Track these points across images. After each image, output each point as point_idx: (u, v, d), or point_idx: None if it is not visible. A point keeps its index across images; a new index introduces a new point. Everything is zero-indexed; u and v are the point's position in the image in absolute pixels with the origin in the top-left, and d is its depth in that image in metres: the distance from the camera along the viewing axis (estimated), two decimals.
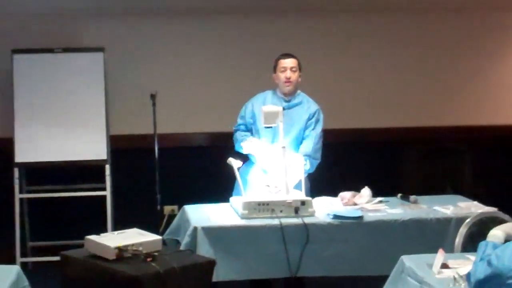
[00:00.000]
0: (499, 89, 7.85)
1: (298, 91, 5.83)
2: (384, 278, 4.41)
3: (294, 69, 5.74)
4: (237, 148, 5.83)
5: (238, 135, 5.87)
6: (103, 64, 7.13)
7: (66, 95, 7.07)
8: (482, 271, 3.48)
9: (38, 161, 7.00)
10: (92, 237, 4.38)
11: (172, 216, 6.54)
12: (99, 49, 7.18)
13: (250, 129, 5.88)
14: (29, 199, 7.25)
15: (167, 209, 7.18)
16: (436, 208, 5.36)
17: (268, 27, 7.53)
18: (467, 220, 4.80)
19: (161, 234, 5.18)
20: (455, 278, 3.79)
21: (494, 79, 7.86)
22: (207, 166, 7.03)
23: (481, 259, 3.52)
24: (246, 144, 5.68)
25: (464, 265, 3.95)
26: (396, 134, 7.66)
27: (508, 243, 3.54)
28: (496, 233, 3.68)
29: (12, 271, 4.14)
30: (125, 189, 7.36)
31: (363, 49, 7.68)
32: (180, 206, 5.74)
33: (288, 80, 5.74)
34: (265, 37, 7.47)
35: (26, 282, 4.18)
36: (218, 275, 4.65)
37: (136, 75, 7.44)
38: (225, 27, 7.58)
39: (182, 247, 5.02)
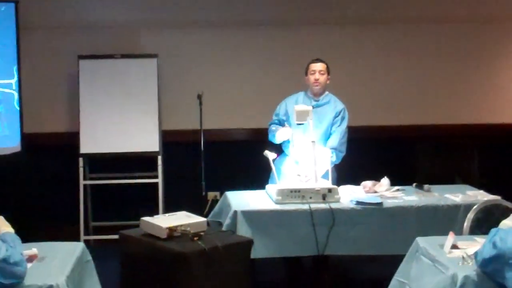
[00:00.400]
0: (504, 92, 7.76)
1: (326, 92, 5.82)
2: (400, 257, 4.40)
3: (322, 72, 5.74)
4: (270, 138, 5.84)
5: (272, 127, 5.88)
6: (156, 69, 7.17)
7: (124, 95, 7.12)
8: (488, 252, 3.47)
9: (99, 152, 7.07)
10: (147, 219, 4.43)
11: (215, 201, 6.58)
12: (153, 56, 7.21)
13: (283, 125, 5.87)
14: (91, 185, 7.31)
15: (211, 195, 7.19)
16: (447, 195, 5.32)
17: (297, 37, 7.51)
18: (474, 207, 4.77)
19: (206, 216, 5.18)
20: (463, 257, 3.78)
21: (500, 84, 7.77)
22: (245, 158, 7.02)
23: (489, 241, 3.52)
24: (279, 131, 5.69)
25: (472, 246, 3.93)
26: (411, 131, 7.60)
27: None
28: (507, 223, 3.68)
29: (78, 247, 4.18)
30: (174, 177, 7.38)
31: (383, 57, 7.64)
32: (221, 193, 5.75)
33: (316, 81, 5.74)
34: (296, 45, 7.45)
35: (89, 257, 4.22)
36: (256, 253, 4.67)
37: (184, 78, 7.46)
38: (261, 37, 7.57)
39: (224, 228, 5.03)
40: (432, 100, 7.68)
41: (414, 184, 5.69)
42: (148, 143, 7.08)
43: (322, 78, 5.74)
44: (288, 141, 5.86)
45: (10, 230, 3.83)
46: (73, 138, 7.05)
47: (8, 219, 3.96)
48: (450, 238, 4.04)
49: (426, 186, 5.58)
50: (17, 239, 3.75)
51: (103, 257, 4.55)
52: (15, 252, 3.55)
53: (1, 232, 3.77)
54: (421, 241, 4.20)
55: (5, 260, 3.44)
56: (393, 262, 4.53)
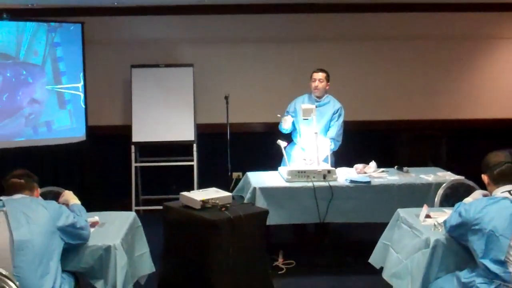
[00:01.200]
0: (465, 94, 7.72)
1: (327, 95, 5.77)
2: (385, 224, 4.40)
3: (321, 80, 5.69)
4: (279, 127, 5.80)
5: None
6: (192, 75, 7.16)
7: (167, 96, 7.12)
8: (455, 220, 3.46)
9: (147, 141, 7.07)
10: (185, 193, 4.42)
11: (238, 180, 6.55)
12: (190, 65, 7.20)
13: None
14: (141, 167, 7.32)
15: (235, 174, 7.17)
16: (422, 176, 5.28)
17: (303, 51, 7.49)
18: (443, 185, 4.75)
19: (231, 191, 5.18)
20: (435, 225, 3.78)
21: (461, 88, 7.73)
22: (262, 145, 7.00)
23: (455, 211, 3.50)
24: (283, 119, 5.67)
25: (442, 216, 3.92)
26: (394, 124, 7.59)
27: (473, 201, 3.52)
28: (469, 199, 3.66)
29: (130, 215, 4.22)
30: (206, 161, 7.39)
31: (371, 67, 7.62)
32: (243, 173, 5.73)
33: (316, 88, 5.71)
34: (302, 57, 7.43)
35: (139, 223, 4.24)
36: (270, 220, 4.66)
37: (214, 82, 7.44)
38: (275, 51, 7.55)
39: (245, 201, 5.05)
40: (410, 100, 7.65)
41: (396, 167, 5.64)
42: (186, 134, 7.08)
43: (321, 85, 5.70)
44: (296, 132, 5.84)
45: (77, 202, 3.86)
46: (126, 129, 7.07)
47: (75, 193, 3.99)
48: (424, 209, 4.03)
49: (405, 168, 5.54)
50: (83, 209, 3.78)
51: (150, 224, 4.55)
52: (81, 219, 3.58)
53: (70, 204, 3.80)
54: (401, 212, 4.20)
55: (73, 225, 3.47)
56: (379, 228, 4.53)
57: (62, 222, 3.41)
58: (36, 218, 3.32)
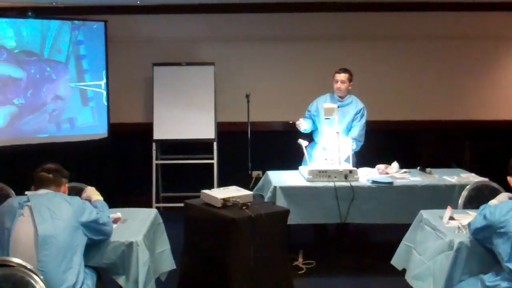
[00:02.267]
0: (489, 94, 7.62)
1: (349, 94, 5.73)
2: (406, 226, 4.37)
3: (343, 81, 5.64)
4: (297, 126, 5.77)
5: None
6: (213, 74, 7.15)
7: (188, 94, 7.11)
8: (479, 222, 3.42)
9: (168, 138, 7.08)
10: (206, 191, 4.40)
11: (258, 179, 6.54)
12: (211, 63, 7.19)
13: (313, 119, 5.83)
14: (161, 164, 7.33)
15: (255, 173, 7.15)
16: (445, 177, 5.22)
17: (325, 50, 7.45)
18: (467, 186, 4.71)
19: (251, 190, 5.15)
20: (459, 227, 3.74)
21: (486, 88, 7.63)
22: (282, 144, 6.97)
23: (480, 214, 3.46)
24: (301, 121, 5.67)
25: (465, 218, 3.89)
26: (417, 125, 7.51)
27: (499, 203, 3.47)
28: (494, 201, 3.61)
29: (152, 212, 4.23)
30: (226, 159, 7.38)
31: (395, 67, 7.55)
32: (263, 172, 5.72)
33: (338, 88, 5.67)
34: (323, 57, 7.39)
35: (160, 220, 4.25)
36: (291, 220, 4.61)
37: (235, 81, 7.43)
38: (296, 50, 7.50)
39: (266, 200, 5.02)
40: (433, 101, 7.55)
41: (418, 168, 5.60)
42: (206, 132, 7.07)
43: (343, 86, 5.65)
44: (317, 132, 5.81)
45: (100, 198, 3.86)
46: (148, 127, 7.08)
47: (97, 189, 3.99)
48: (448, 211, 3.99)
49: (428, 169, 5.49)
50: (105, 205, 3.78)
51: (170, 221, 4.54)
52: (103, 215, 3.58)
53: (92, 200, 3.80)
54: (424, 213, 4.16)
55: (96, 221, 3.47)
56: (400, 229, 4.50)
57: (86, 218, 3.42)
58: (60, 213, 3.33)
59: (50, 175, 3.54)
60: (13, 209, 3.33)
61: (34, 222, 3.26)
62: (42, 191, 3.49)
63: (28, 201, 3.36)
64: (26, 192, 3.48)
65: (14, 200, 3.43)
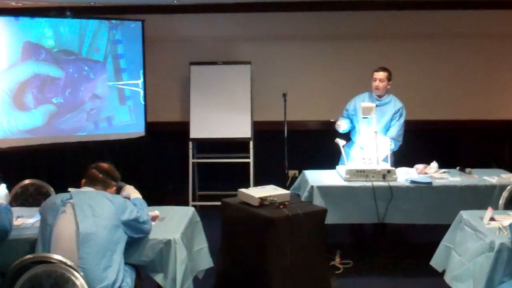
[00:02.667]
0: None
1: (388, 93, 5.69)
2: (445, 226, 4.35)
3: (382, 80, 5.60)
4: (336, 127, 5.78)
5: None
6: (249, 73, 7.18)
7: (224, 93, 7.16)
8: None
9: (205, 137, 7.13)
10: (243, 190, 4.43)
11: (294, 178, 6.56)
12: (247, 62, 7.23)
13: (350, 118, 5.81)
14: (198, 163, 7.38)
15: (291, 172, 7.15)
16: (485, 177, 5.16)
17: (363, 49, 7.43)
18: (508, 187, 4.66)
19: (287, 189, 5.16)
20: (499, 228, 3.70)
21: None
22: (319, 143, 6.97)
23: None
24: (339, 121, 5.68)
25: (506, 219, 3.85)
26: (456, 124, 7.43)
27: None
28: None
29: (189, 210, 4.26)
30: (262, 158, 7.37)
31: (434, 65, 7.47)
32: (300, 171, 5.72)
33: (376, 87, 5.63)
34: (361, 55, 7.37)
35: (198, 219, 4.28)
36: (328, 220, 4.61)
37: (272, 80, 7.45)
38: (333, 48, 7.50)
39: (302, 199, 5.03)
40: (473, 100, 7.47)
41: (458, 168, 5.54)
42: (242, 131, 7.11)
43: (381, 85, 5.62)
44: (355, 131, 5.80)
45: (139, 196, 3.91)
46: (184, 126, 7.14)
47: (134, 188, 4.04)
48: (489, 212, 3.95)
49: (467, 170, 5.43)
50: (144, 203, 3.83)
51: (207, 219, 4.57)
52: (143, 213, 3.63)
53: (131, 198, 3.86)
54: (464, 214, 4.12)
55: (136, 220, 3.52)
56: (438, 230, 4.49)
57: (126, 216, 3.47)
58: (101, 211, 3.38)
59: (100, 175, 3.61)
60: (55, 206, 3.40)
61: (76, 220, 3.32)
62: (86, 189, 3.56)
63: (71, 198, 3.42)
64: (69, 189, 3.55)
65: (57, 197, 3.49)
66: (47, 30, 6.56)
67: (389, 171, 5.08)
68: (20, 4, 6.85)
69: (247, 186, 5.24)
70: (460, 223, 4.11)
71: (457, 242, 4.04)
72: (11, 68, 6.36)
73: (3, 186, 4.05)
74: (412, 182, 5.03)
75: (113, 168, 3.71)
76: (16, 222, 3.84)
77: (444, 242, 4.25)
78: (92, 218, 3.34)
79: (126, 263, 3.52)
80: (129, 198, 3.82)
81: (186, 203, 6.81)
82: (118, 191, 3.86)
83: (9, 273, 3.22)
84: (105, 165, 3.68)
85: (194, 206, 6.73)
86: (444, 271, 4.16)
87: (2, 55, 6.31)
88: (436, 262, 4.28)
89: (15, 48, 6.38)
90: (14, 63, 6.38)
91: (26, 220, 3.97)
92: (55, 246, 3.30)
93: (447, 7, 7.31)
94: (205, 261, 4.20)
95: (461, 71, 7.48)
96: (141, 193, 4.00)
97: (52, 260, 3.15)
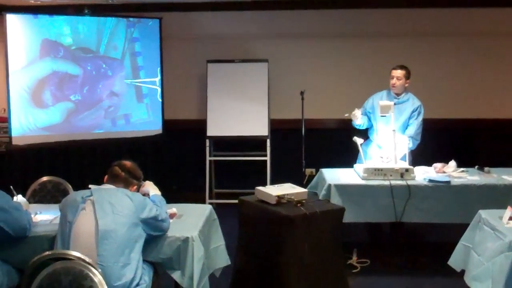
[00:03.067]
0: None
1: (406, 92, 5.66)
2: (463, 226, 4.33)
3: (399, 78, 5.58)
4: (354, 125, 5.77)
5: None
6: (267, 70, 7.19)
7: (241, 91, 7.17)
8: None
9: (222, 135, 7.16)
10: (260, 188, 4.41)
11: (311, 176, 6.56)
12: (264, 60, 7.24)
13: (368, 117, 5.80)
14: (215, 160, 7.42)
15: (308, 171, 7.15)
16: (504, 177, 5.12)
17: (380, 47, 7.41)
18: None
19: (304, 187, 5.15)
20: None
21: None
22: (336, 142, 6.95)
23: None
24: (354, 113, 5.65)
25: None
26: (474, 123, 7.39)
27: None
28: None
29: (207, 208, 4.27)
30: (279, 156, 7.41)
31: (452, 64, 7.44)
32: (316, 169, 5.72)
33: (393, 85, 5.62)
34: (379, 53, 7.35)
35: (215, 216, 4.28)
36: (345, 218, 4.60)
37: (289, 78, 7.46)
38: (350, 47, 7.49)
39: (320, 198, 5.02)
40: (492, 98, 7.43)
41: (476, 167, 5.51)
42: (259, 129, 7.12)
43: (399, 83, 5.60)
44: (373, 129, 5.79)
45: (158, 192, 3.93)
46: (201, 123, 7.18)
47: None
48: (508, 211, 3.92)
49: (486, 169, 5.40)
50: (163, 200, 3.84)
51: (223, 217, 4.57)
52: (162, 211, 3.64)
53: (151, 194, 3.87)
54: (483, 213, 4.10)
55: (155, 218, 3.54)
56: (456, 229, 4.47)
57: (146, 214, 3.48)
58: (121, 208, 3.40)
59: (122, 173, 3.63)
60: (76, 203, 3.43)
61: (96, 217, 3.34)
62: (106, 186, 3.59)
63: (91, 195, 3.45)
64: (90, 186, 3.57)
65: (78, 194, 3.51)
66: (65, 28, 6.61)
67: (407, 170, 5.06)
68: (38, 2, 6.91)
69: (263, 184, 5.25)
70: (479, 222, 4.08)
71: (476, 241, 4.02)
72: (30, 65, 6.42)
73: (20, 196, 4.12)
74: (431, 181, 5.00)
75: (136, 167, 3.73)
76: (34, 219, 3.87)
77: (462, 242, 4.23)
78: (111, 215, 3.35)
79: (144, 261, 3.54)
80: (148, 195, 3.85)
81: (203, 201, 6.83)
82: (139, 187, 3.87)
83: (27, 269, 3.25)
84: (127, 163, 3.70)
85: (210, 203, 6.76)
86: (462, 271, 4.14)
87: (21, 53, 6.37)
88: (454, 261, 4.26)
89: (33, 45, 6.44)
90: (33, 61, 6.44)
91: (44, 217, 4.00)
92: (75, 243, 3.32)
93: (466, 5, 7.27)
94: (222, 259, 4.21)
95: (480, 70, 7.44)
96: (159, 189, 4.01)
97: (71, 257, 3.17)
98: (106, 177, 3.65)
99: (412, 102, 5.62)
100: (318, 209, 4.13)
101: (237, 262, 4.50)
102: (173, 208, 4.07)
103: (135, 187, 3.70)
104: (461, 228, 4.33)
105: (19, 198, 4.04)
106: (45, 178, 4.92)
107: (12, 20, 6.32)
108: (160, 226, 3.58)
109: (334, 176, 5.27)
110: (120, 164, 3.66)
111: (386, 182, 4.96)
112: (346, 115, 5.68)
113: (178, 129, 7.41)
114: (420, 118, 5.59)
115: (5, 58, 6.31)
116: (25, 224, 3.57)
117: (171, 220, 3.83)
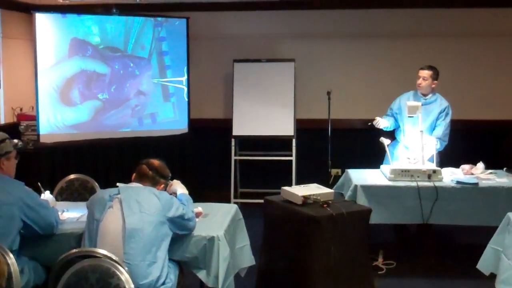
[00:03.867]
0: None
1: (434, 92, 5.61)
2: (491, 228, 4.26)
3: (425, 78, 5.54)
4: (375, 124, 5.72)
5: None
6: (293, 70, 7.17)
7: (268, 91, 7.16)
8: None
9: (247, 135, 7.15)
10: (286, 188, 4.40)
11: (337, 176, 6.52)
12: (291, 60, 7.22)
13: (395, 118, 5.75)
14: (240, 160, 7.41)
15: (334, 171, 7.10)
16: None
17: (407, 47, 7.35)
18: None
19: (330, 188, 5.12)
20: None
21: None
22: (363, 142, 6.94)
23: None
24: (375, 121, 5.64)
25: None
26: (503, 124, 7.28)
27: None
28: None
29: (232, 208, 4.26)
30: (305, 156, 7.38)
31: (481, 66, 7.34)
32: (342, 170, 5.69)
33: (418, 85, 5.58)
34: (406, 54, 7.30)
35: (240, 216, 4.26)
36: (372, 219, 4.56)
37: (316, 78, 7.43)
38: (378, 47, 7.43)
39: (346, 198, 4.99)
40: None
41: (505, 169, 5.45)
42: (285, 129, 7.09)
43: (424, 83, 5.55)
44: (400, 130, 5.74)
45: (185, 191, 3.92)
46: (227, 123, 7.19)
47: None
48: None
49: None
50: (190, 199, 3.84)
51: (248, 217, 4.54)
52: (188, 210, 3.64)
53: (178, 193, 3.87)
54: None
55: (181, 217, 3.54)
56: (484, 231, 4.41)
57: (172, 213, 3.48)
58: (148, 207, 3.41)
59: (150, 172, 3.63)
60: (103, 201, 3.44)
61: (123, 215, 3.35)
62: (134, 184, 3.59)
63: (119, 193, 3.46)
64: (118, 184, 3.58)
65: (105, 192, 3.53)
66: (93, 27, 6.66)
67: (434, 171, 5.00)
68: (67, 2, 6.97)
69: (289, 184, 5.22)
70: (508, 225, 4.01)
71: (505, 245, 3.94)
72: (58, 64, 6.47)
73: (48, 192, 4.14)
74: (458, 182, 4.95)
75: (164, 166, 3.73)
76: (62, 216, 3.89)
77: (491, 245, 4.15)
78: (138, 214, 3.36)
79: (170, 260, 3.54)
80: (175, 193, 3.85)
81: (228, 200, 6.83)
82: (166, 186, 3.87)
83: (54, 267, 3.27)
84: (155, 162, 3.70)
85: (235, 203, 6.74)
86: (490, 275, 4.07)
87: (50, 51, 6.42)
88: (483, 265, 4.18)
89: (62, 44, 6.49)
90: (61, 59, 6.49)
91: (71, 214, 4.02)
92: (102, 241, 3.34)
93: (496, 5, 7.16)
94: (247, 259, 4.19)
95: (507, 70, 7.32)
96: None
97: (98, 255, 3.18)
98: (133, 175, 3.66)
99: (439, 103, 5.57)
100: (345, 210, 4.11)
101: (262, 262, 4.50)
102: (199, 207, 4.06)
103: (162, 185, 3.70)
104: (489, 231, 4.27)
105: (46, 195, 4.07)
106: (72, 176, 4.94)
107: (41, 19, 6.38)
108: (186, 225, 3.58)
109: (361, 176, 5.24)
110: (148, 163, 3.66)
111: (413, 184, 4.91)
112: (369, 124, 5.65)
113: (204, 128, 7.43)
114: (448, 119, 5.54)
115: (34, 56, 6.37)
116: (52, 221, 3.59)
117: (197, 219, 3.82)
